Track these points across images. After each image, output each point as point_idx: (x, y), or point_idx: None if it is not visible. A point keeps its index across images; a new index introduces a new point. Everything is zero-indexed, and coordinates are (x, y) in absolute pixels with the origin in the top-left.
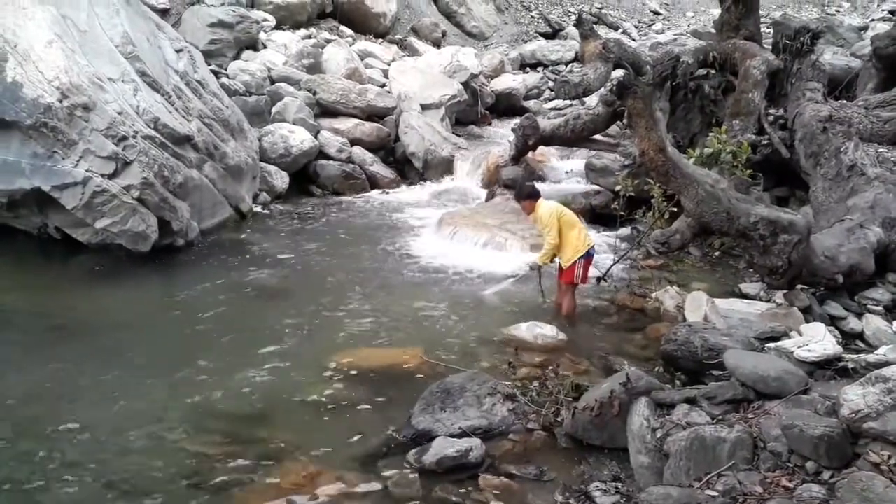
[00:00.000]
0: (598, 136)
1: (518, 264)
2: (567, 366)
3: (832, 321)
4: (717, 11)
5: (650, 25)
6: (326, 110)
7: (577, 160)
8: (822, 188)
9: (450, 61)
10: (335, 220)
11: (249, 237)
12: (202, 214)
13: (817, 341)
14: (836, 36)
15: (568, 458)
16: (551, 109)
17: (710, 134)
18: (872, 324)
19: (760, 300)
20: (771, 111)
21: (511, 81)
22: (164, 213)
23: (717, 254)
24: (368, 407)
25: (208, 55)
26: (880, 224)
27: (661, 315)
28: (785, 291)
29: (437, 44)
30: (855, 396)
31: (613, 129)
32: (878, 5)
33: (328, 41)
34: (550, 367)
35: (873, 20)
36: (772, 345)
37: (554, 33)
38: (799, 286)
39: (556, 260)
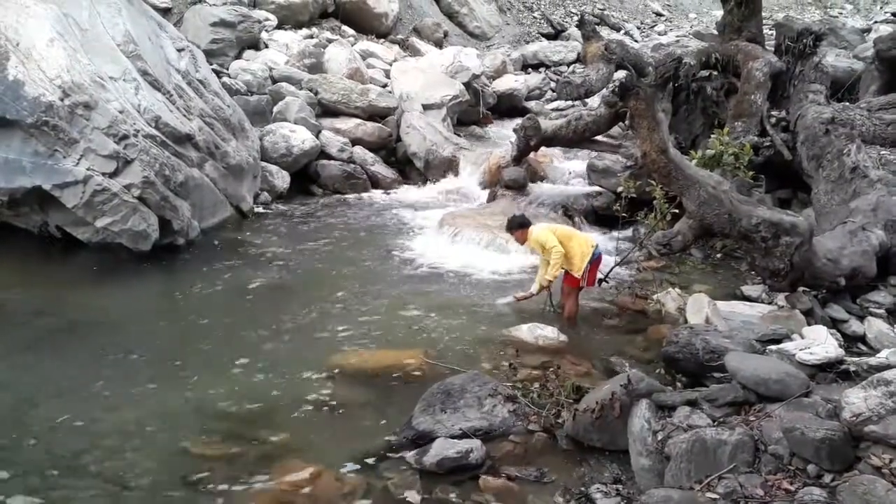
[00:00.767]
0: (599, 138)
1: (520, 265)
2: (568, 367)
3: (834, 324)
4: (719, 13)
5: (652, 27)
6: (328, 110)
7: (578, 161)
8: (824, 190)
9: (452, 61)
10: (336, 221)
11: (250, 237)
12: (203, 214)
13: (819, 344)
14: (839, 38)
15: (568, 459)
16: (553, 110)
17: (712, 135)
18: (874, 327)
19: (762, 302)
20: (773, 113)
21: (513, 82)
22: (164, 212)
23: (718, 256)
24: (368, 407)
25: (210, 54)
26: (883, 227)
27: (663, 317)
28: (787, 294)
29: (438, 44)
30: (857, 399)
31: (615, 130)
32: (881, 7)
33: (330, 41)
34: (551, 369)
35: (876, 22)
36: (773, 347)
37: (556, 34)
38: (801, 289)
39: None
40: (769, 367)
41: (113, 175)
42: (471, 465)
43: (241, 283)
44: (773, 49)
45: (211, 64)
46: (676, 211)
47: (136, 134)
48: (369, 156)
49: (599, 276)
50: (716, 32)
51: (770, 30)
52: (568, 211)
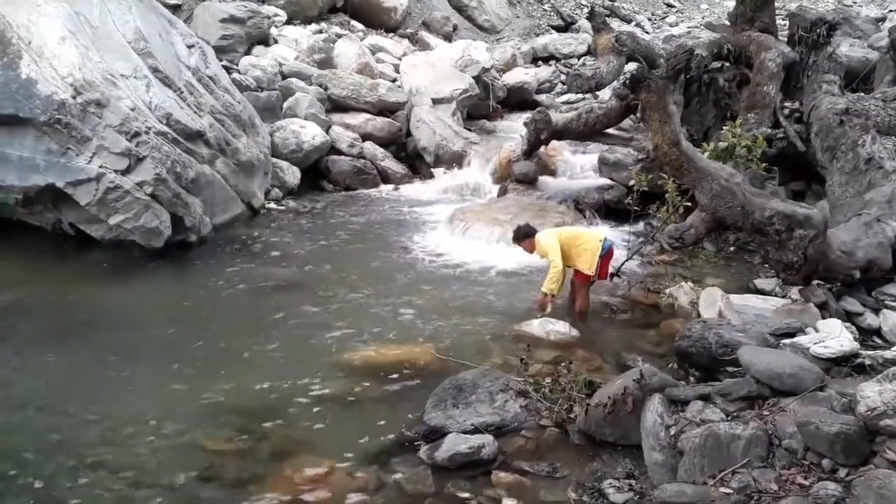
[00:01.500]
0: (611, 131)
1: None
2: (580, 362)
3: (849, 317)
4: (731, 3)
5: (663, 18)
6: (338, 105)
7: (589, 155)
8: (838, 182)
9: (461, 55)
10: (347, 216)
11: (261, 233)
12: (214, 210)
13: (833, 337)
14: (853, 27)
15: (581, 454)
16: (563, 103)
17: (725, 127)
18: (890, 320)
19: (776, 296)
20: (786, 104)
21: (523, 75)
22: (176, 208)
23: (731, 249)
24: (380, 403)
25: (220, 50)
26: None
27: (675, 311)
28: (801, 287)
29: (448, 38)
30: (872, 393)
31: (627, 123)
32: None
33: (339, 36)
34: (563, 364)
35: (891, 11)
36: (787, 341)
37: (566, 26)
38: (815, 282)
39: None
40: (783, 361)
41: (125, 172)
42: (483, 460)
43: (254, 279)
44: (786, 39)
45: (221, 60)
46: (689, 204)
47: (147, 131)
48: (379, 151)
49: (611, 269)
50: (728, 23)
51: (783, 20)
52: (579, 205)
